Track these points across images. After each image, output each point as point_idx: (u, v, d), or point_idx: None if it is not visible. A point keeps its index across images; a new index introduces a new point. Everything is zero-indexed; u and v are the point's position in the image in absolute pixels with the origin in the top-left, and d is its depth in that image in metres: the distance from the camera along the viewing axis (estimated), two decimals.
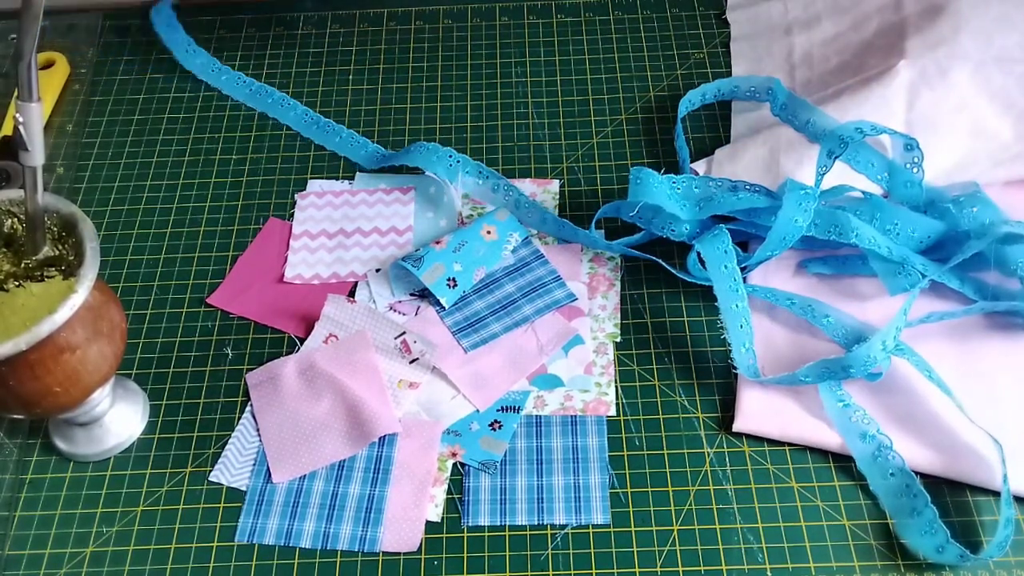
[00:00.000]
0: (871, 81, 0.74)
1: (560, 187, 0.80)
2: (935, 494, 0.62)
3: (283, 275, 0.75)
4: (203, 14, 0.95)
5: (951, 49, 0.74)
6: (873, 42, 0.79)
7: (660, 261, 0.73)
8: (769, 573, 0.60)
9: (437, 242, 0.74)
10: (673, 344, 0.71)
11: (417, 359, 0.70)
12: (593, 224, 0.74)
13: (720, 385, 0.68)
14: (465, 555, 0.62)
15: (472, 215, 0.78)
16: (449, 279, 0.73)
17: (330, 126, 0.85)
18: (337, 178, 0.81)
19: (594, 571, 0.61)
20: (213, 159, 0.84)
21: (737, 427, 0.65)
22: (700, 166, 0.78)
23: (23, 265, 0.58)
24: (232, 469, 0.66)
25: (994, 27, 0.74)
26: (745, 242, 0.73)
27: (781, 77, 0.82)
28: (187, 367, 0.72)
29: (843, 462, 0.64)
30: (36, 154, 0.54)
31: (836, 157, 0.67)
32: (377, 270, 0.75)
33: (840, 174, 0.72)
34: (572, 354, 0.70)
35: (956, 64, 0.73)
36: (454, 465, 0.66)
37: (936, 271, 0.67)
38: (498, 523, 0.63)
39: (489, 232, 0.75)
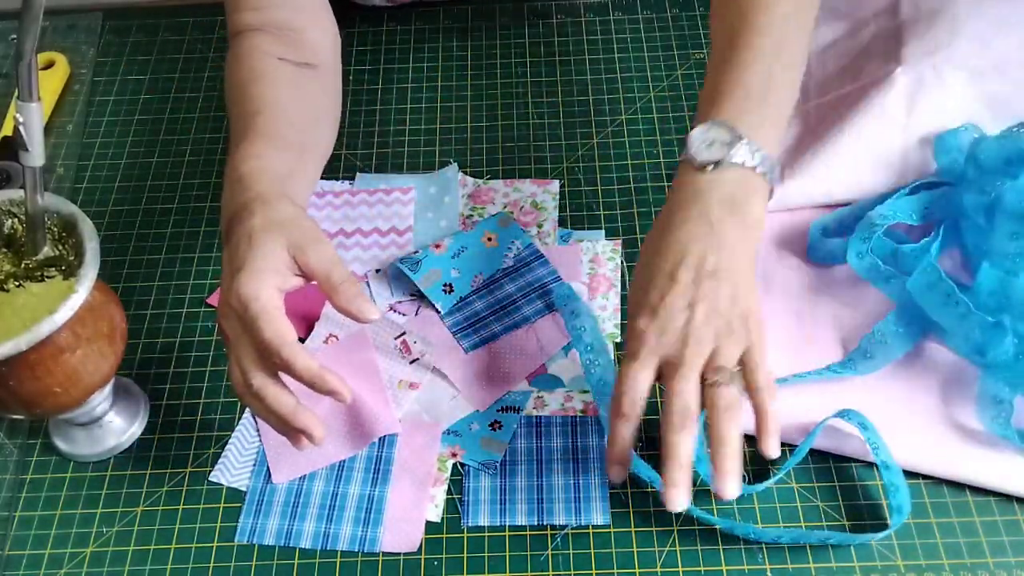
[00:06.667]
0: (869, 88, 0.74)
1: (560, 187, 0.80)
2: (935, 494, 0.62)
3: None
4: (209, 13, 0.96)
5: (948, 54, 0.73)
6: (870, 48, 0.78)
7: None
8: (769, 573, 0.60)
9: (437, 245, 0.74)
10: None
11: (417, 359, 0.70)
12: None
13: None
14: (465, 555, 0.62)
15: (472, 215, 0.78)
16: (445, 285, 0.73)
17: None
18: (337, 178, 0.81)
19: (594, 571, 0.61)
20: (213, 159, 0.84)
21: None
22: None
23: (23, 265, 0.58)
24: (232, 469, 0.66)
25: (991, 31, 0.74)
26: None
27: None
28: (187, 367, 0.72)
29: (843, 462, 0.64)
30: (36, 154, 0.54)
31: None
32: (377, 271, 0.75)
33: None
34: (572, 354, 0.70)
35: (954, 69, 0.73)
36: (454, 465, 0.66)
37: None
38: (498, 523, 0.63)
39: (490, 239, 0.75)
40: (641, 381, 0.56)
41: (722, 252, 0.56)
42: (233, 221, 0.58)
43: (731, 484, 0.54)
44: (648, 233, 0.60)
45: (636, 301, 0.58)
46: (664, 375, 0.56)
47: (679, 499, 0.54)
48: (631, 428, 0.57)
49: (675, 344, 0.56)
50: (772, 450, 0.56)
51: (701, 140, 0.58)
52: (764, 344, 0.56)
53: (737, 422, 0.54)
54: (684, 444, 0.54)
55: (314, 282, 0.57)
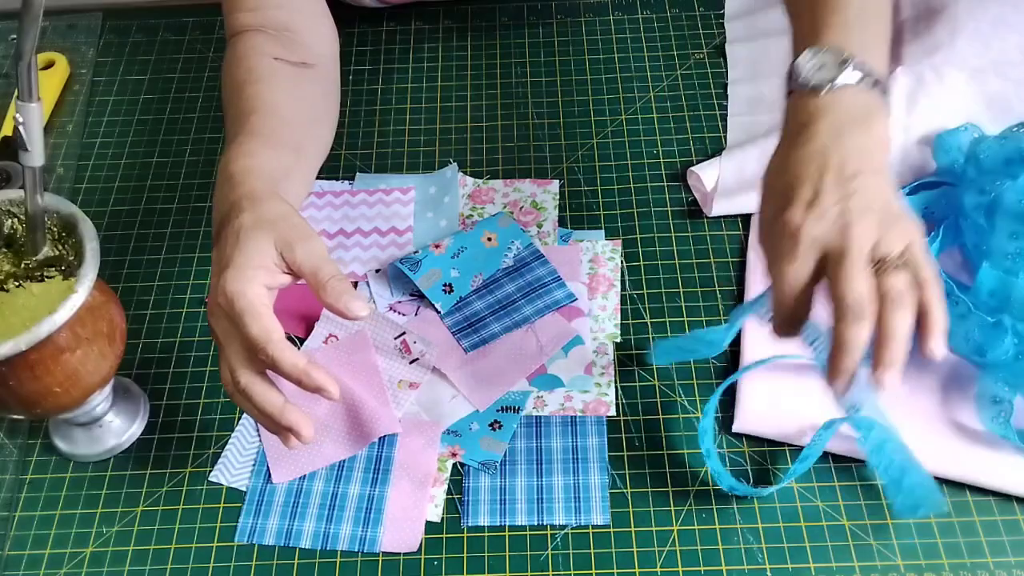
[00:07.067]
0: None
1: (560, 187, 0.80)
2: None
3: None
4: (209, 13, 0.96)
5: (948, 54, 0.73)
6: None
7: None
8: (769, 573, 0.60)
9: (436, 246, 0.74)
10: None
11: (417, 359, 0.70)
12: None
13: (720, 385, 0.68)
14: (465, 555, 0.62)
15: (472, 215, 0.78)
16: (445, 285, 0.73)
17: None
18: (337, 178, 0.81)
19: (594, 571, 0.61)
20: (213, 159, 0.84)
21: (737, 427, 0.65)
22: (703, 169, 0.77)
23: (23, 265, 0.58)
24: (232, 469, 0.66)
25: (991, 31, 0.74)
26: None
27: (777, 81, 0.82)
28: (187, 367, 0.72)
29: (843, 462, 0.64)
30: (36, 154, 0.54)
31: None
32: (377, 271, 0.75)
33: None
34: (572, 354, 0.70)
35: (954, 69, 0.73)
36: (454, 465, 0.66)
37: None
38: (498, 523, 0.63)
39: (490, 239, 0.75)
40: (805, 279, 0.52)
41: (862, 157, 0.53)
42: (223, 220, 0.58)
43: (891, 375, 0.49)
44: (769, 163, 0.57)
45: (778, 205, 0.54)
46: (829, 271, 0.51)
47: (841, 387, 0.51)
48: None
49: (835, 233, 0.51)
50: (939, 349, 0.50)
51: (810, 64, 0.56)
52: (923, 242, 0.52)
53: (908, 313, 0.49)
54: (860, 337, 0.49)
55: (301, 280, 0.57)
